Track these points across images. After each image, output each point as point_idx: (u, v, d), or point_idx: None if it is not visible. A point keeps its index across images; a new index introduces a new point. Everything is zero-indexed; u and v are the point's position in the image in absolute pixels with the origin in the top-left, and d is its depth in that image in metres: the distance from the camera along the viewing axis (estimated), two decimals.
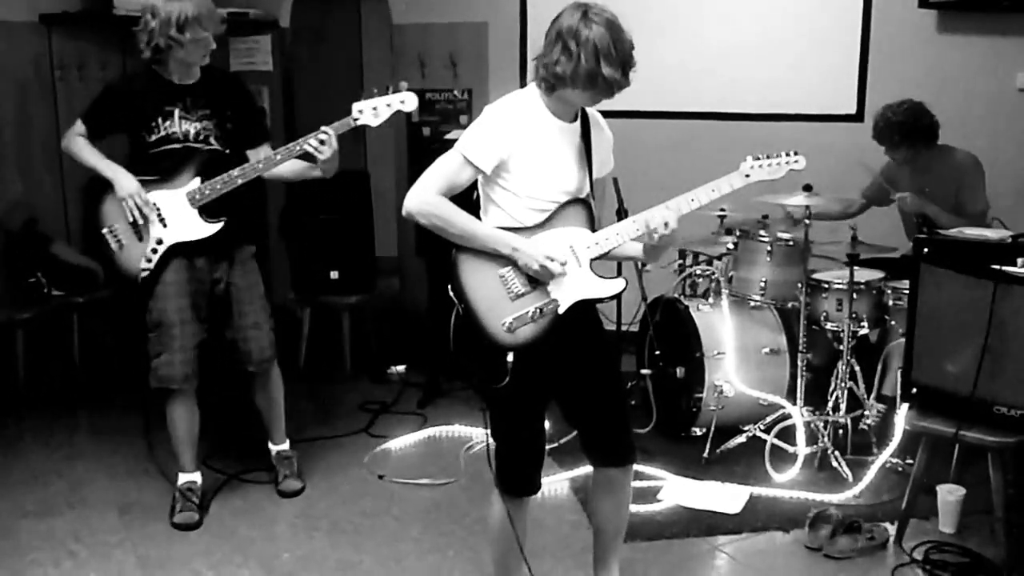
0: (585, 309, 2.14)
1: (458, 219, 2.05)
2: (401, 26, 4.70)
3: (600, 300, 2.13)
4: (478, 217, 2.14)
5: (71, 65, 4.34)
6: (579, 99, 2.03)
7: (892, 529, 2.78)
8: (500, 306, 2.06)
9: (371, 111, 2.61)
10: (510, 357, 2.03)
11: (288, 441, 3.16)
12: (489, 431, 2.17)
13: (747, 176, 2.17)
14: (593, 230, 2.13)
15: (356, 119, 2.62)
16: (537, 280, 2.08)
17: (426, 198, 2.05)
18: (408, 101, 2.61)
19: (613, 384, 2.26)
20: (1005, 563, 2.56)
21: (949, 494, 2.80)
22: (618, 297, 2.17)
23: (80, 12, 4.34)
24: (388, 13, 4.74)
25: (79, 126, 2.79)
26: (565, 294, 2.10)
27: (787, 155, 2.19)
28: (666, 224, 2.05)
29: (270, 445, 3.15)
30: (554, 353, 2.10)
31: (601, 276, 2.13)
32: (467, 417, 3.67)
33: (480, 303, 2.06)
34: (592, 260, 2.12)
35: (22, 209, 4.13)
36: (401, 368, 4.22)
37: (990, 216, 3.48)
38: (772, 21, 4.29)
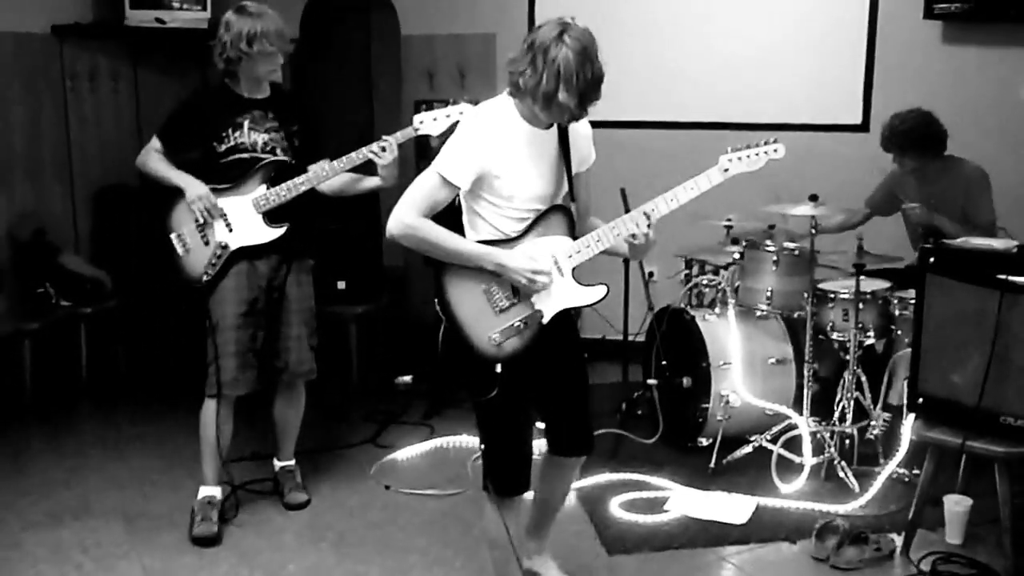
0: (564, 315, 2.20)
1: (442, 239, 2.09)
2: (410, 37, 4.73)
3: (582, 308, 2.19)
4: (461, 227, 2.17)
5: (82, 76, 4.39)
6: (537, 112, 2.03)
7: (899, 540, 2.77)
8: (486, 320, 2.11)
9: (431, 120, 2.73)
10: (498, 368, 2.08)
11: (294, 459, 3.18)
12: (478, 436, 2.23)
13: (726, 171, 2.16)
14: (574, 237, 2.17)
15: (417, 128, 2.74)
16: (520, 292, 2.13)
17: (408, 221, 2.09)
18: (467, 111, 2.68)
19: (582, 383, 2.35)
20: (1012, 574, 2.54)
21: (956, 504, 2.79)
22: (599, 304, 2.21)
23: (92, 24, 4.38)
24: (397, 24, 4.77)
25: (155, 142, 2.88)
26: (548, 305, 2.15)
27: (765, 144, 2.17)
28: (645, 227, 2.10)
29: (275, 461, 3.16)
30: (538, 359, 2.16)
31: (582, 284, 2.17)
32: (474, 427, 3.66)
33: (467, 318, 2.11)
34: (574, 268, 2.16)
35: (31, 219, 4.16)
36: (408, 378, 4.23)
37: (997, 227, 3.47)
38: (778, 32, 4.30)
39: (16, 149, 4.14)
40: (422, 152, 4.41)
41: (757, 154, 2.17)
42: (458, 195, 2.16)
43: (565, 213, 2.16)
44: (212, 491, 2.94)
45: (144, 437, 3.63)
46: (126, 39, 4.49)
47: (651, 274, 3.62)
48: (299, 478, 3.15)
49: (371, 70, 5.54)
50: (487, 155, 2.06)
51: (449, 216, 2.16)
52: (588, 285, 2.17)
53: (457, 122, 2.67)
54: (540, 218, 2.14)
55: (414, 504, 3.10)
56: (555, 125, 2.14)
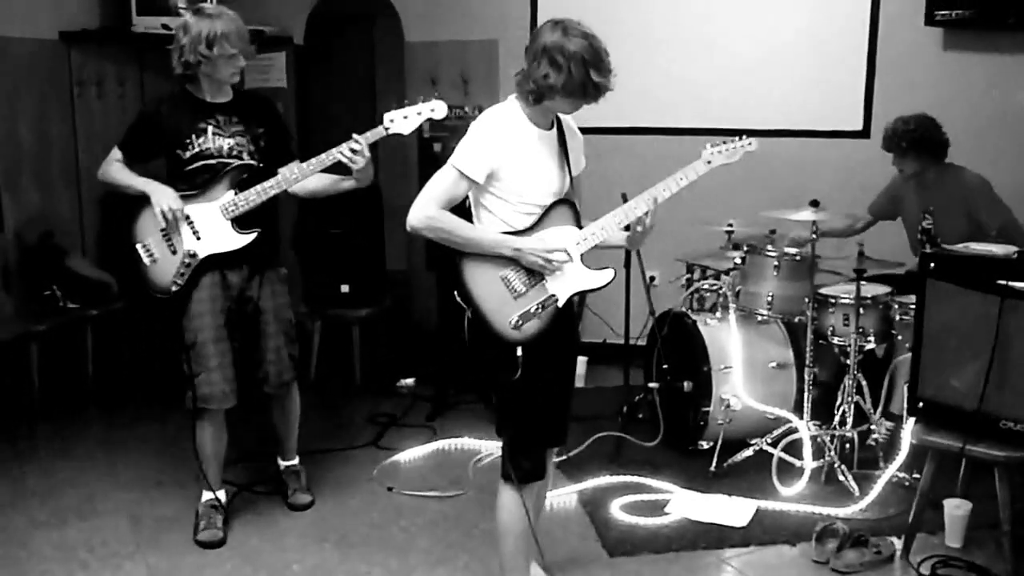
0: (573, 305, 2.31)
1: (461, 228, 2.21)
2: (413, 44, 4.77)
3: (594, 290, 2.29)
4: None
5: (90, 81, 4.43)
6: (564, 107, 2.20)
7: (899, 543, 2.78)
8: (505, 306, 2.21)
9: (402, 119, 2.68)
10: (519, 351, 2.18)
11: (298, 457, 3.19)
12: (498, 425, 2.29)
13: (709, 163, 2.40)
14: (579, 227, 2.29)
15: (388, 128, 2.68)
16: (535, 278, 2.23)
17: (428, 213, 2.19)
18: (438, 109, 2.68)
19: (572, 378, 2.45)
20: None
21: (956, 508, 2.81)
22: (608, 287, 2.32)
23: (99, 30, 4.42)
24: (400, 31, 4.81)
25: (116, 153, 2.82)
26: (562, 288, 2.25)
27: (740, 139, 2.44)
28: (644, 214, 2.24)
29: (279, 460, 3.17)
30: (552, 344, 2.25)
31: (592, 268, 2.28)
32: (476, 430, 3.69)
33: (487, 305, 2.21)
34: (582, 254, 2.28)
35: (39, 222, 4.20)
36: (410, 381, 4.25)
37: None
38: (779, 38, 4.33)
39: (24, 153, 4.17)
40: (425, 155, 4.46)
41: (735, 147, 2.43)
42: (468, 194, 2.25)
43: (570, 206, 2.29)
44: (215, 495, 2.95)
45: (149, 438, 3.66)
46: (133, 45, 4.54)
47: (652, 278, 3.65)
48: (304, 479, 3.17)
49: (375, 76, 5.59)
50: (500, 151, 2.18)
51: (459, 214, 2.25)
52: (597, 269, 2.29)
53: (428, 119, 2.69)
54: (547, 211, 2.26)
55: (416, 505, 3.13)
56: (555, 128, 2.27)
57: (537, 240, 2.22)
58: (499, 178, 2.20)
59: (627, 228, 2.29)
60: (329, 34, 5.23)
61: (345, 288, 4.24)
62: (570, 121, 2.34)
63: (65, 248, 4.24)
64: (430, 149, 4.62)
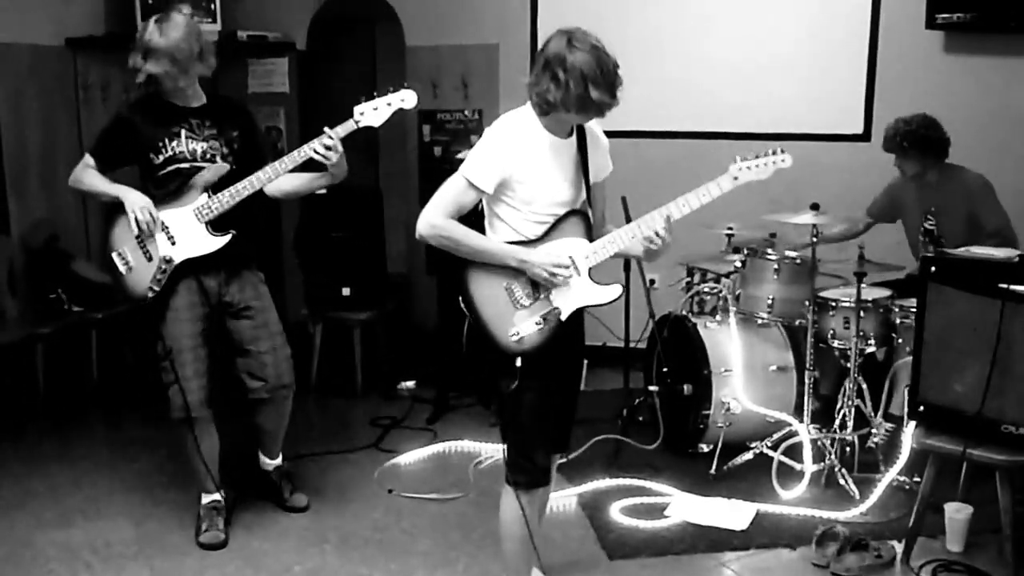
0: (579, 314, 2.28)
1: (467, 238, 2.19)
2: (414, 48, 4.79)
3: (599, 306, 2.26)
4: (482, 231, 2.25)
5: (95, 87, 4.46)
6: (572, 119, 2.15)
7: (899, 547, 2.78)
8: (507, 316, 2.19)
9: (372, 111, 2.63)
10: (518, 362, 2.17)
11: (281, 454, 3.15)
12: (501, 431, 2.28)
13: (735, 179, 2.23)
14: (591, 240, 2.25)
15: (359, 121, 2.64)
16: (540, 290, 2.21)
17: (435, 222, 2.18)
18: (408, 99, 2.62)
19: (577, 386, 2.44)
20: None
21: (957, 512, 2.80)
22: (614, 303, 2.29)
23: (104, 36, 4.46)
24: (401, 35, 4.83)
25: (89, 160, 2.79)
26: (566, 302, 2.23)
27: (773, 153, 2.25)
28: (658, 231, 2.17)
29: (267, 460, 3.12)
30: (554, 355, 2.23)
31: (598, 283, 2.25)
32: (476, 432, 3.71)
33: (489, 314, 2.19)
34: (591, 268, 2.24)
35: (45, 226, 4.23)
36: (411, 384, 4.27)
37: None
38: (779, 41, 4.33)
39: (31, 158, 4.21)
40: (425, 158, 4.45)
41: (766, 164, 2.25)
42: (481, 200, 2.24)
43: (583, 217, 2.25)
44: (215, 496, 2.95)
45: (153, 440, 3.68)
46: None
47: (652, 282, 3.65)
48: (293, 479, 3.16)
49: (376, 80, 5.61)
50: (511, 161, 2.15)
51: (471, 220, 2.24)
52: (604, 284, 2.26)
53: (399, 109, 2.64)
54: (559, 222, 2.23)
55: (417, 508, 3.14)
56: (574, 135, 2.22)
57: (544, 252, 2.19)
58: (510, 187, 2.17)
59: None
60: (331, 39, 5.25)
61: (346, 291, 4.25)
62: (594, 127, 2.26)
63: (70, 252, 4.27)
64: (431, 152, 4.63)
